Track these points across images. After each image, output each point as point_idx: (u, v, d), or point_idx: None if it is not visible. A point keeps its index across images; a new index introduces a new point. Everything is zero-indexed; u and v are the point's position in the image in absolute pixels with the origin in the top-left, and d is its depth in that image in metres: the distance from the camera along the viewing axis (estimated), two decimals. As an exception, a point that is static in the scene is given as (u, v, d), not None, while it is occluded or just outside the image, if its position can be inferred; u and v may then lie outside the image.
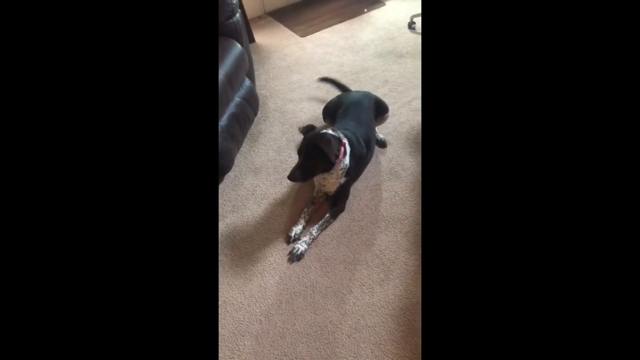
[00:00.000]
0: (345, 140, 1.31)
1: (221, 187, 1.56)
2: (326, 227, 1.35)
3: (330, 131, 1.30)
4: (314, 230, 1.32)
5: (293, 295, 1.19)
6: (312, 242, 1.31)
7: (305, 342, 1.09)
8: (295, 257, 1.27)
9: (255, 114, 1.81)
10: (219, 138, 1.45)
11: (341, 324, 1.11)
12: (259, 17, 2.72)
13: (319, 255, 1.29)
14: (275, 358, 1.06)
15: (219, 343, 1.11)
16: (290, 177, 1.23)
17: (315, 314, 1.14)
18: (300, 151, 1.26)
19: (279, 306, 1.17)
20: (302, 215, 1.38)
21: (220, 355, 1.08)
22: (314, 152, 1.22)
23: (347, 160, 1.32)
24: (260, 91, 2.00)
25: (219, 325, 1.15)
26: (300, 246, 1.28)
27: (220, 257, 1.32)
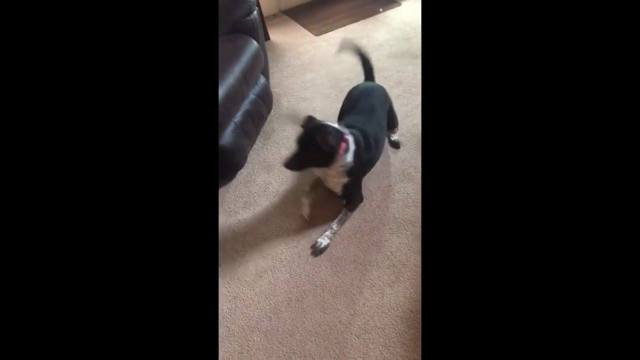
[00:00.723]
0: (348, 137, 1.24)
1: (234, 183, 1.58)
2: (345, 220, 1.36)
3: (334, 124, 1.25)
4: (334, 224, 1.33)
5: (303, 294, 1.20)
6: (333, 236, 1.32)
7: (314, 340, 1.09)
8: (318, 251, 1.29)
9: (269, 112, 1.82)
10: (233, 135, 1.46)
11: (350, 324, 1.11)
12: (274, 15, 2.73)
13: (329, 255, 1.29)
14: (284, 355, 1.07)
15: (230, 338, 1.12)
16: (285, 164, 1.22)
17: (325, 313, 1.14)
18: (299, 141, 1.23)
19: (288, 304, 1.18)
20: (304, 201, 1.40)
21: (230, 350, 1.09)
22: (310, 144, 1.19)
23: (349, 157, 1.25)
24: (274, 89, 2.01)
25: (230, 320, 1.16)
26: (323, 240, 1.30)
27: (230, 253, 1.33)
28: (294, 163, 1.23)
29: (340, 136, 1.22)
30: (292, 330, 1.12)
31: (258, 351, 1.08)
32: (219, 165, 1.41)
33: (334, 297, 1.18)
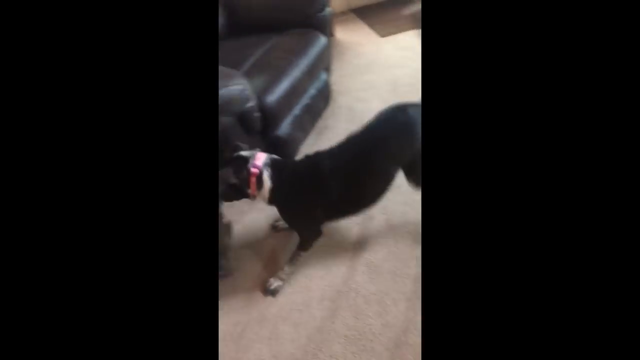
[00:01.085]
0: (258, 168, 1.09)
1: (282, 173, 1.61)
2: (297, 260, 1.24)
3: (244, 153, 1.10)
4: (286, 267, 1.23)
5: (336, 294, 1.20)
6: (287, 278, 1.24)
7: (343, 343, 1.08)
8: (268, 292, 1.21)
9: (325, 108, 1.83)
10: (290, 127, 1.49)
11: (381, 334, 1.09)
12: (342, 13, 2.73)
13: (367, 260, 1.28)
14: (311, 351, 1.08)
15: (260, 322, 1.15)
16: (224, 200, 1.16)
17: (356, 318, 1.13)
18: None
19: (320, 301, 1.18)
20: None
21: (260, 335, 1.13)
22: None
23: (266, 187, 1.10)
24: (333, 86, 2.02)
25: (263, 305, 1.19)
26: (274, 281, 1.22)
27: (269, 240, 1.37)
28: (228, 195, 1.12)
29: (243, 166, 1.08)
30: (320, 327, 1.12)
31: (287, 341, 1.10)
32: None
33: (366, 304, 1.16)
